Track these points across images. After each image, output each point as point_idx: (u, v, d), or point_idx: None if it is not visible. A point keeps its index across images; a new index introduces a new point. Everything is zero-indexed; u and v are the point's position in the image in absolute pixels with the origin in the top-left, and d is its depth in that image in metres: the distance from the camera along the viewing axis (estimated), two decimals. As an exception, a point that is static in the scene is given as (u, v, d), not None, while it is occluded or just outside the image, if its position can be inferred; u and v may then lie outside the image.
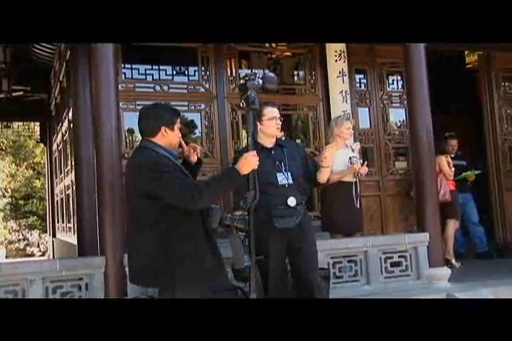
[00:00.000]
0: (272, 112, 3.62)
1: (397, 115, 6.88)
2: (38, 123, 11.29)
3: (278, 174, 3.54)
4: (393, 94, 6.80)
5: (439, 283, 4.74)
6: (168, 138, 2.85)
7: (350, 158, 4.73)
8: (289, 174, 3.56)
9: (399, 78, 6.81)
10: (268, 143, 3.66)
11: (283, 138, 3.88)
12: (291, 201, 3.50)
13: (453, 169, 6.09)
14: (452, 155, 6.52)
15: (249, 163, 2.75)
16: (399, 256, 4.75)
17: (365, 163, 4.75)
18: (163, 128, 2.82)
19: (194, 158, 3.04)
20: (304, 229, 3.57)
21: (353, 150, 4.93)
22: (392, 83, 6.89)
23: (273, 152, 3.63)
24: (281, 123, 3.69)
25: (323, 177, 3.86)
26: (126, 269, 3.66)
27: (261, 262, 3.38)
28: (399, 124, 6.92)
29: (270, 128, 3.63)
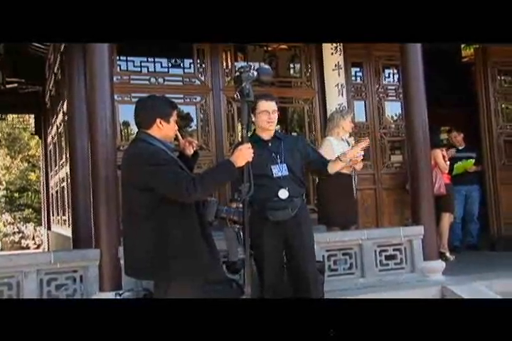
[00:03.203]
0: (263, 106, 3.55)
1: (392, 108, 6.88)
2: (32, 116, 11.25)
3: (273, 166, 3.52)
4: (389, 88, 6.79)
5: (434, 276, 4.76)
6: (164, 130, 2.84)
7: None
8: (285, 166, 3.54)
9: (395, 71, 6.79)
10: (265, 135, 3.64)
11: (279, 131, 3.87)
12: (283, 193, 3.48)
13: (448, 163, 6.12)
14: (460, 148, 6.67)
15: (243, 155, 2.75)
16: (394, 249, 4.76)
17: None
18: (158, 121, 2.81)
19: (190, 151, 3.03)
20: (300, 222, 3.55)
21: (348, 144, 4.98)
22: (388, 76, 6.87)
23: (270, 144, 3.61)
24: (275, 117, 3.60)
25: (334, 168, 3.70)
26: (121, 261, 3.68)
27: (256, 256, 3.39)
28: (395, 118, 6.92)
29: (261, 121, 3.58)
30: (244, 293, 2.87)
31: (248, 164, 2.80)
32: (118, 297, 3.53)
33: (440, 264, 4.86)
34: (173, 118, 2.88)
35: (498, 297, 4.31)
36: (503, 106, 7.17)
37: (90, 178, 4.16)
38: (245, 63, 6.31)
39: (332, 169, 3.67)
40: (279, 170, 3.53)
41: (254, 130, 3.69)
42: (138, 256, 2.75)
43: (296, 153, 3.64)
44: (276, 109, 3.64)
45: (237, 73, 2.92)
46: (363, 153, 4.72)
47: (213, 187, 2.92)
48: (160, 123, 2.81)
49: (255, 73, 2.88)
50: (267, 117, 3.56)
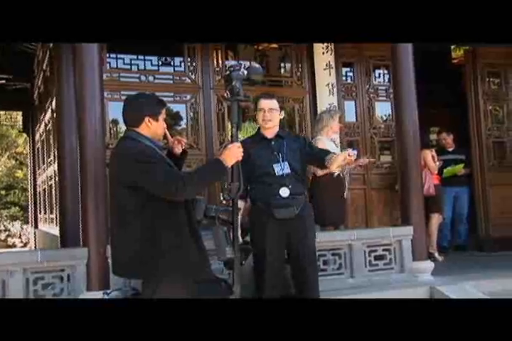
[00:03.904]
0: (260, 104, 3.64)
1: (383, 109, 6.89)
2: (20, 113, 11.16)
3: (275, 165, 3.56)
4: (379, 88, 6.80)
5: (423, 276, 4.77)
6: (153, 128, 2.82)
7: (347, 149, 4.82)
8: (286, 164, 3.56)
9: (385, 72, 6.81)
10: (268, 133, 3.68)
11: (281, 130, 3.88)
12: (284, 191, 3.50)
13: (437, 163, 6.15)
14: (450, 150, 6.71)
15: (233, 154, 2.74)
16: (383, 250, 4.77)
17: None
18: (146, 118, 2.79)
19: (179, 150, 3.01)
20: (305, 220, 3.57)
21: (336, 145, 5.01)
22: (379, 76, 6.89)
23: (272, 142, 3.65)
24: (272, 116, 3.63)
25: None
26: (109, 260, 3.65)
27: (258, 253, 3.39)
28: (385, 118, 6.94)
29: (258, 118, 3.69)
30: (233, 293, 2.86)
31: (238, 163, 2.79)
32: (106, 296, 3.50)
33: (429, 264, 4.87)
34: (162, 116, 2.86)
35: (486, 297, 4.33)
36: (491, 107, 7.21)
37: (78, 176, 4.13)
38: (236, 62, 6.29)
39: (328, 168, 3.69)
40: (281, 169, 3.55)
41: (259, 128, 3.75)
42: (126, 255, 2.72)
43: (297, 152, 3.67)
44: (275, 107, 3.66)
45: (228, 72, 2.91)
46: (356, 152, 4.74)
47: (202, 185, 2.91)
48: (148, 121, 2.79)
49: (245, 72, 2.88)
50: (262, 115, 3.64)
